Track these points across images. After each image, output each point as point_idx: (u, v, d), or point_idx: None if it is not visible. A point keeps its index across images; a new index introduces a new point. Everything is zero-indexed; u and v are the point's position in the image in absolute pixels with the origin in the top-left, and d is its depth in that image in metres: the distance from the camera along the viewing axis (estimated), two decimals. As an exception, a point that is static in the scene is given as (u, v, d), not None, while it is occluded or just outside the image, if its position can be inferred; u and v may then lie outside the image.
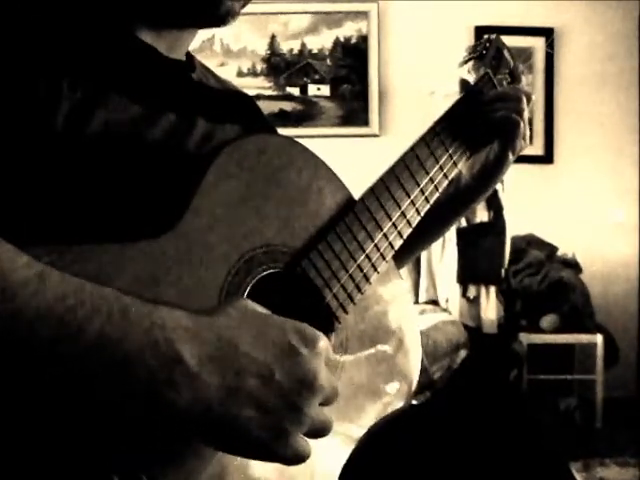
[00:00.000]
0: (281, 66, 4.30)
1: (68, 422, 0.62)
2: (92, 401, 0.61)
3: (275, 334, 0.68)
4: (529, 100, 1.13)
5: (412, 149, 1.01)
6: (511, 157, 1.14)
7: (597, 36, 4.29)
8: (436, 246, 3.71)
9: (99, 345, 0.59)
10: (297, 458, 0.67)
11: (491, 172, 1.16)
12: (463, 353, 3.51)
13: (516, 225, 3.77)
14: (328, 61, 4.30)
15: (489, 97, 1.13)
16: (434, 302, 3.86)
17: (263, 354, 0.66)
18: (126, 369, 0.60)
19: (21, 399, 0.61)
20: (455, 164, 1.07)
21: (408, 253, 1.14)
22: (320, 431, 0.70)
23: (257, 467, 0.76)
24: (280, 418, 0.65)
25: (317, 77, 4.29)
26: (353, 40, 4.29)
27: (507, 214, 3.63)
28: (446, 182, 1.05)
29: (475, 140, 1.11)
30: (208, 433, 0.64)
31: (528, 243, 4.02)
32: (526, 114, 1.12)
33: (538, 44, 4.28)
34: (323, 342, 0.70)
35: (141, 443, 0.66)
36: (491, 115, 1.11)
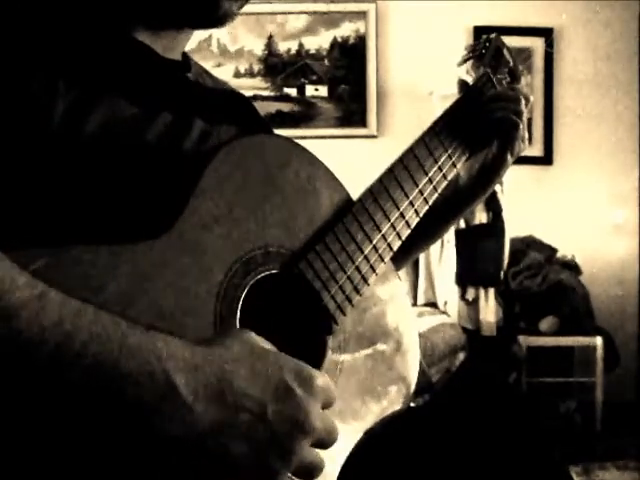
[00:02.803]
0: (278, 67, 4.30)
1: (61, 444, 0.62)
2: (85, 425, 0.61)
3: (272, 372, 0.68)
4: (527, 102, 1.13)
5: (411, 149, 1.01)
6: (510, 159, 1.14)
7: (597, 36, 4.29)
8: (435, 248, 3.71)
9: (95, 371, 0.60)
10: None
11: (489, 174, 1.16)
12: (462, 356, 3.50)
13: (515, 227, 3.77)
14: (326, 62, 4.29)
15: (488, 97, 1.12)
16: (433, 304, 3.86)
17: (258, 391, 0.67)
18: (121, 397, 0.61)
19: (17, 420, 0.61)
20: (454, 164, 1.06)
21: (406, 255, 1.14)
22: (309, 473, 0.70)
23: None
24: (268, 455, 0.66)
25: (315, 78, 4.29)
26: (351, 40, 4.29)
27: (506, 215, 3.62)
28: (445, 182, 1.05)
29: (474, 141, 1.10)
30: (198, 464, 0.64)
31: (527, 245, 4.02)
32: (525, 116, 1.12)
33: (537, 44, 4.28)
34: (321, 381, 0.70)
35: (135, 469, 0.65)
36: (490, 115, 1.10)
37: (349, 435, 0.88)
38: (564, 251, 4.06)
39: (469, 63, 1.20)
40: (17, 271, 0.60)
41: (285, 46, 4.30)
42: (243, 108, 1.04)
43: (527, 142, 1.14)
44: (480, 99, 1.12)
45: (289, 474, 0.69)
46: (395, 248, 0.95)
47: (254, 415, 0.65)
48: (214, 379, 0.65)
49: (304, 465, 0.69)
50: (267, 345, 0.72)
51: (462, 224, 3.65)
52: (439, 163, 1.03)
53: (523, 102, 1.12)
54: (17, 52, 0.73)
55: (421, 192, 1.00)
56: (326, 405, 0.72)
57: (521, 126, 1.11)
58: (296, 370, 0.69)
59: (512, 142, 1.12)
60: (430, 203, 1.01)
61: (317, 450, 0.70)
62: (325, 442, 0.71)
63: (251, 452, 0.65)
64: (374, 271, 0.92)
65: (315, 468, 0.70)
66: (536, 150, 4.23)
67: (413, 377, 0.97)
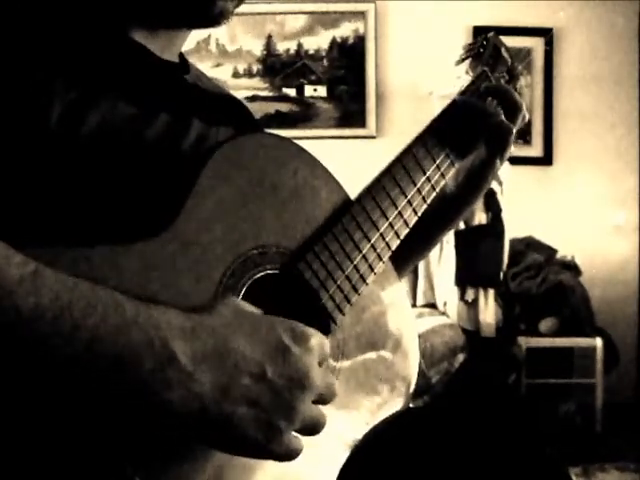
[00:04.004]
0: (277, 67, 4.30)
1: (63, 420, 0.63)
2: (87, 399, 0.62)
3: (267, 332, 0.69)
4: (520, 110, 1.09)
5: (409, 148, 1.01)
6: (498, 164, 1.10)
7: (596, 36, 4.29)
8: (434, 249, 3.70)
9: (94, 343, 0.60)
10: (289, 455, 0.69)
11: (477, 179, 1.12)
12: (461, 357, 3.50)
13: (515, 227, 3.76)
14: (325, 62, 4.29)
15: (484, 88, 1.10)
16: (432, 305, 3.85)
17: (255, 352, 0.67)
18: (120, 367, 0.61)
19: (17, 397, 0.61)
20: (452, 163, 1.06)
21: (406, 261, 1.14)
22: (313, 428, 0.71)
23: (254, 470, 0.76)
24: (272, 415, 0.67)
25: (313, 78, 4.28)
26: (350, 41, 4.28)
27: (506, 216, 3.62)
28: (443, 182, 1.04)
29: (472, 139, 1.09)
30: (202, 431, 0.66)
31: (527, 246, 4.02)
32: (519, 120, 1.10)
33: (537, 44, 4.28)
34: (316, 339, 0.72)
35: (136, 443, 0.66)
36: (485, 119, 1.08)
37: (347, 435, 0.88)
38: (564, 252, 4.06)
39: (468, 62, 1.19)
40: (10, 250, 0.60)
41: (284, 46, 4.29)
42: (239, 111, 1.04)
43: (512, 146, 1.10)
44: (477, 96, 1.11)
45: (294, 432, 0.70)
46: (394, 247, 0.95)
47: (254, 377, 0.66)
48: (211, 345, 0.65)
49: (307, 422, 0.70)
50: (258, 311, 0.73)
51: (461, 225, 3.64)
52: (437, 162, 1.03)
53: (522, 106, 1.09)
54: (15, 52, 0.73)
55: (419, 191, 0.99)
56: (321, 362, 0.73)
57: (514, 131, 1.07)
58: (290, 329, 0.71)
59: (504, 148, 1.08)
60: (428, 202, 1.01)
61: (319, 406, 0.72)
62: (325, 398, 0.73)
63: (254, 414, 0.66)
64: (372, 271, 0.92)
65: (318, 423, 0.72)
66: (536, 150, 4.23)
67: (413, 377, 0.97)
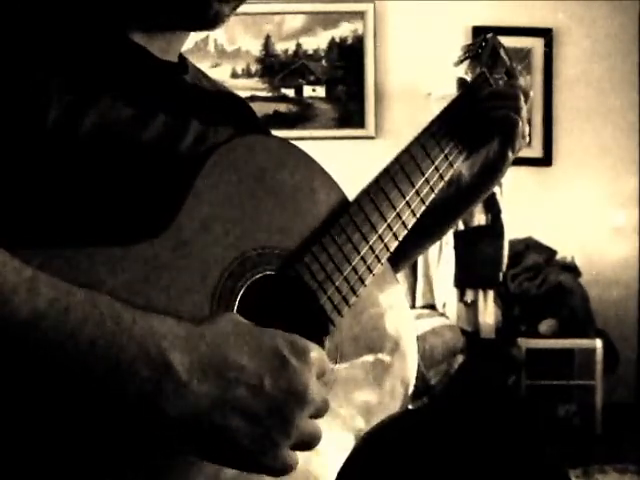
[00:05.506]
0: (276, 67, 4.30)
1: (61, 425, 0.63)
2: (83, 406, 0.61)
3: (266, 344, 0.68)
4: (527, 97, 1.12)
5: (407, 150, 1.01)
6: (511, 155, 1.13)
7: (596, 36, 4.30)
8: (433, 250, 3.71)
9: (90, 351, 0.60)
10: (283, 470, 0.68)
11: (491, 171, 1.15)
12: (460, 358, 3.50)
13: (514, 228, 3.77)
14: (323, 62, 4.30)
15: (486, 95, 1.11)
16: (431, 306, 3.85)
17: (253, 364, 0.66)
18: (117, 376, 0.61)
19: (15, 402, 0.61)
20: (451, 164, 1.06)
21: (407, 255, 1.14)
22: (308, 444, 0.70)
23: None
24: (269, 429, 0.66)
25: (312, 78, 4.29)
26: (349, 41, 4.29)
27: (505, 217, 3.62)
28: (442, 182, 1.04)
29: (473, 139, 1.10)
30: (196, 442, 0.65)
31: (526, 247, 4.02)
32: (524, 112, 1.11)
33: (536, 44, 4.28)
34: (315, 353, 0.71)
35: (132, 451, 0.66)
36: (489, 114, 1.10)
37: (345, 436, 0.88)
38: (564, 253, 4.06)
39: (466, 63, 1.19)
40: (6, 256, 0.60)
41: (282, 46, 4.30)
42: (240, 110, 1.04)
43: (527, 138, 1.14)
44: (477, 98, 1.12)
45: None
46: (392, 248, 0.95)
47: (251, 388, 0.65)
48: (208, 355, 0.65)
49: (305, 437, 0.69)
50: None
51: (461, 226, 3.64)
52: (436, 163, 1.03)
53: (522, 98, 1.11)
54: (14, 52, 0.73)
55: (418, 192, 0.99)
56: (320, 376, 0.72)
57: (520, 123, 1.10)
58: (290, 342, 0.70)
59: (512, 139, 1.11)
60: (427, 203, 1.01)
61: (315, 421, 0.71)
62: (321, 412, 0.71)
63: (250, 426, 0.65)
64: (371, 272, 0.91)
65: (314, 439, 0.70)
66: (535, 151, 4.23)
67: (412, 379, 0.97)
